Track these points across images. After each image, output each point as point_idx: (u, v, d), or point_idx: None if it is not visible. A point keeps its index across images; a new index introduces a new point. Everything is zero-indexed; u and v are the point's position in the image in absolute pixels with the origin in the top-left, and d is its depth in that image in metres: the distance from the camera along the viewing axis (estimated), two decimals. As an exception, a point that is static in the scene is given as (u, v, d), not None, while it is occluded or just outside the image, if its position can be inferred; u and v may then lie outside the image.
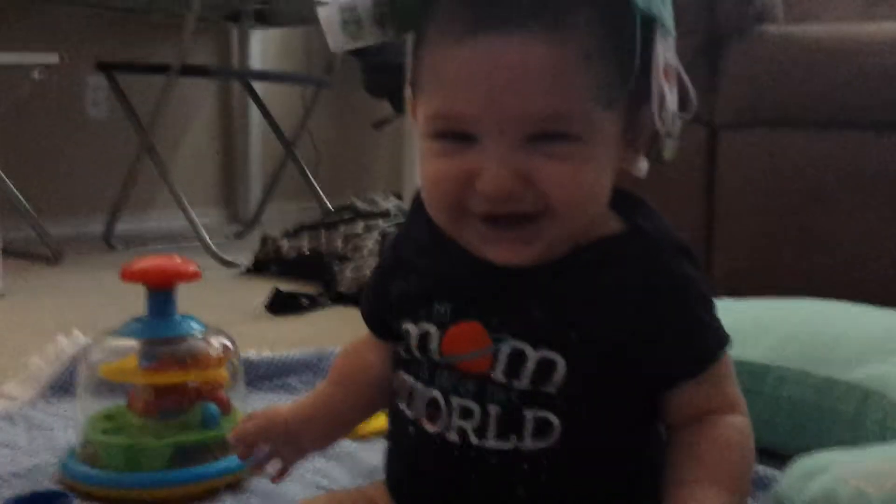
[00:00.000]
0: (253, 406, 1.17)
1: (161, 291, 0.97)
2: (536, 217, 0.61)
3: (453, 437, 0.66)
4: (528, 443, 0.64)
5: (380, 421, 1.10)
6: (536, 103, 0.59)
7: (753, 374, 1.04)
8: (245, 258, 2.46)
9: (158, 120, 2.70)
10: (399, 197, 2.59)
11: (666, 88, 0.62)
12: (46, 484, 0.96)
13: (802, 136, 1.66)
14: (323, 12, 0.65)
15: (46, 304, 2.00)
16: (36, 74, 2.42)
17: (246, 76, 3.27)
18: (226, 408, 0.99)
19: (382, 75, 3.09)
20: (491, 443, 0.65)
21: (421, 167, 0.65)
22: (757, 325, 1.07)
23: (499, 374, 0.64)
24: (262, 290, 2.00)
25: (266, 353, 1.37)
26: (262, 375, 1.32)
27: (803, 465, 0.74)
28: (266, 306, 1.91)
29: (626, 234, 0.66)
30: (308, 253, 2.25)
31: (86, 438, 0.97)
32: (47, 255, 2.51)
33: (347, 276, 2.02)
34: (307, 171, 3.14)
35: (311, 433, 0.78)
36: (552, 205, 0.61)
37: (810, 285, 1.38)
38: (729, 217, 1.70)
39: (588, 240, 0.65)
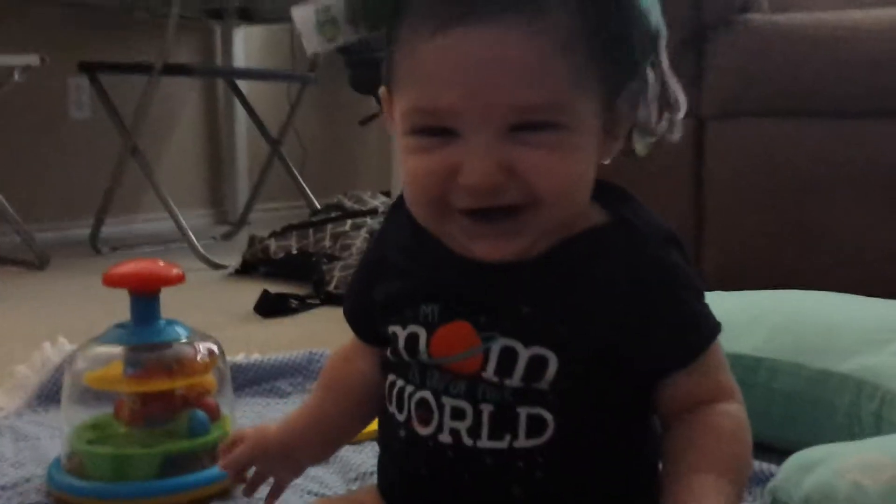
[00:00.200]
0: (242, 411, 1.17)
1: (145, 296, 0.95)
2: (521, 210, 0.61)
3: (446, 438, 0.65)
4: (523, 441, 0.63)
5: (371, 424, 1.10)
6: (517, 94, 0.58)
7: (746, 367, 1.03)
8: (233, 259, 2.45)
9: (142, 121, 2.68)
10: (387, 194, 2.58)
11: (677, 87, 0.63)
12: (34, 497, 0.94)
13: (790, 126, 1.65)
14: (298, 15, 0.65)
15: (33, 310, 1.99)
16: (17, 76, 2.40)
17: (230, 74, 3.25)
18: (214, 414, 0.98)
19: (368, 71, 3.07)
20: (484, 443, 0.64)
21: (402, 165, 0.64)
22: (749, 318, 1.07)
23: (490, 374, 0.63)
24: (250, 291, 1.99)
25: (255, 357, 1.35)
26: (252, 379, 1.31)
27: (800, 458, 0.74)
28: (255, 308, 1.90)
29: (612, 225, 0.65)
30: (296, 252, 2.24)
31: (72, 449, 0.96)
32: (33, 260, 2.49)
33: (336, 275, 2.01)
34: (294, 170, 3.12)
35: (306, 449, 0.77)
36: (537, 196, 0.60)
37: (801, 277, 1.38)
38: (718, 209, 1.69)
39: (573, 233, 0.64)
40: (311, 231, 2.29)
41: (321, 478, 0.99)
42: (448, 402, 0.65)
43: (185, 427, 0.95)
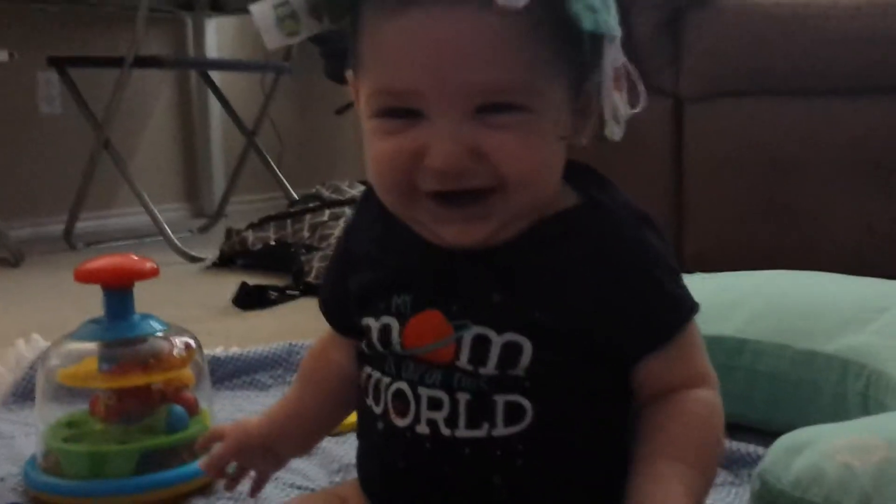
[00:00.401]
0: (222, 405, 1.15)
1: (117, 291, 0.93)
2: (488, 193, 0.60)
3: (423, 429, 0.64)
4: (501, 429, 0.62)
5: (352, 416, 1.08)
6: (480, 74, 0.57)
7: (730, 349, 1.03)
8: (210, 252, 2.43)
9: (114, 114, 2.64)
10: (365, 184, 2.56)
11: (617, 97, 0.61)
12: (9, 496, 0.93)
13: (767, 105, 1.65)
14: (256, 11, 0.63)
15: (7, 307, 1.96)
16: (-15, 72, 2.36)
17: (203, 66, 3.21)
18: (193, 409, 0.96)
19: (343, 61, 3.05)
20: (462, 432, 0.63)
21: (368, 149, 0.63)
22: (732, 300, 1.06)
23: (464, 362, 0.62)
24: (228, 284, 1.97)
25: (234, 350, 1.34)
26: (231, 373, 1.29)
27: (788, 441, 0.73)
28: (233, 301, 1.88)
29: (583, 206, 0.64)
30: (274, 244, 2.22)
31: (47, 447, 0.94)
32: (7, 257, 2.46)
33: (315, 265, 1.99)
34: (270, 161, 3.09)
35: (287, 442, 0.77)
36: (504, 178, 0.59)
37: (780, 256, 1.38)
38: (697, 190, 1.69)
39: (544, 216, 0.63)
40: (289, 222, 2.27)
41: (304, 470, 0.97)
42: (424, 392, 0.64)
43: (163, 422, 0.93)
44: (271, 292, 1.91)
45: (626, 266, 0.62)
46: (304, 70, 3.29)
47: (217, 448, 0.77)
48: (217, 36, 3.41)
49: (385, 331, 0.65)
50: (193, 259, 2.43)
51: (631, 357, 0.64)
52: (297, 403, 0.76)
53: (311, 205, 2.34)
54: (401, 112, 0.59)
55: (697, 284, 0.67)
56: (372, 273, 0.67)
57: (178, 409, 0.94)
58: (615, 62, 0.61)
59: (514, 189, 0.60)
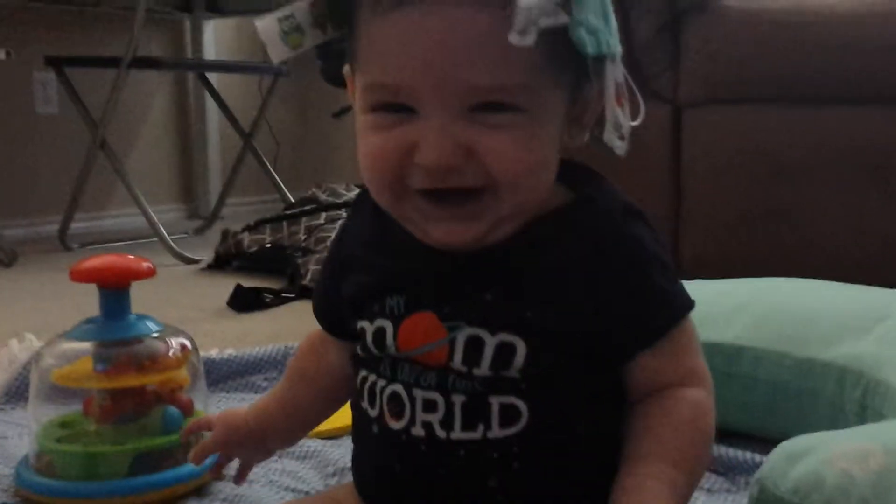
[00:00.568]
0: (217, 407, 1.14)
1: (114, 291, 0.92)
2: (479, 193, 0.59)
3: (418, 431, 0.63)
4: (497, 431, 0.62)
5: (347, 418, 1.08)
6: (475, 73, 0.57)
7: (728, 356, 1.02)
8: (205, 255, 2.42)
9: (111, 115, 2.63)
10: (361, 187, 2.55)
11: (619, 112, 0.61)
12: (1, 496, 0.92)
13: (766, 111, 1.65)
14: (261, 25, 0.63)
15: (2, 308, 1.95)
16: (-19, 71, 2.36)
17: (200, 67, 3.20)
18: (188, 410, 0.95)
19: (340, 63, 3.04)
20: (458, 434, 0.62)
21: (360, 144, 0.62)
22: (731, 306, 1.06)
23: (458, 364, 0.62)
24: (223, 286, 1.96)
25: (229, 352, 1.33)
26: (226, 375, 1.28)
27: (787, 447, 0.72)
28: (228, 303, 1.87)
29: (574, 204, 0.64)
30: (270, 246, 2.21)
31: (40, 447, 0.93)
32: (1, 258, 2.45)
33: (311, 268, 1.98)
34: (267, 164, 3.09)
35: (275, 433, 0.78)
36: (494, 178, 0.59)
37: (778, 262, 1.38)
38: (695, 195, 1.69)
39: (536, 216, 0.63)
40: (285, 224, 2.26)
41: (298, 473, 0.97)
42: (419, 394, 0.63)
43: (158, 424, 0.93)
44: (266, 295, 1.90)
45: (618, 263, 0.62)
46: (302, 73, 3.29)
47: (205, 439, 0.78)
48: (215, 37, 3.40)
49: (379, 333, 0.65)
50: (189, 261, 2.43)
51: (623, 354, 0.64)
52: (288, 398, 0.77)
53: (307, 207, 2.34)
54: (394, 108, 0.59)
55: (696, 290, 0.66)
56: (365, 275, 0.67)
57: (173, 410, 0.94)
58: (617, 78, 0.61)
59: (505, 190, 0.59)
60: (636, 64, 1.64)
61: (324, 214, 2.26)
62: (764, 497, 0.71)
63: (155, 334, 0.94)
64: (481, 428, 0.62)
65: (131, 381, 0.92)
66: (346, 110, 3.26)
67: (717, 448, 0.97)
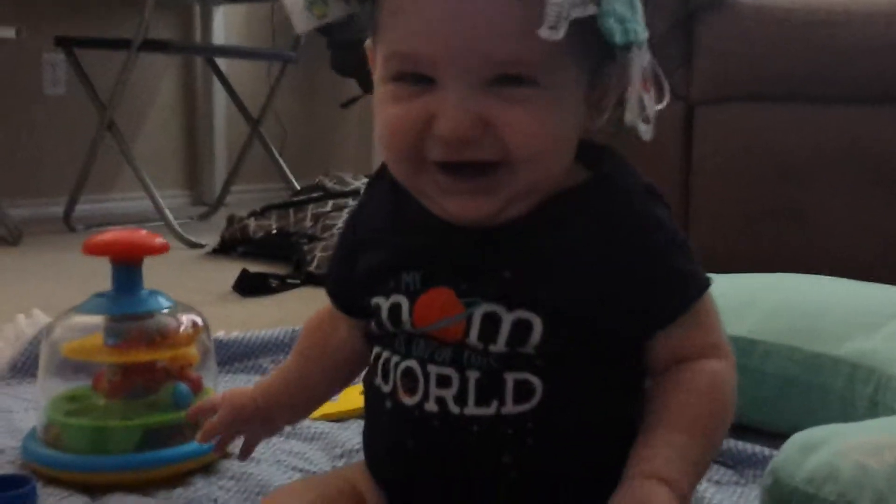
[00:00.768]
0: (224, 387, 1.14)
1: (127, 265, 0.92)
2: (495, 167, 0.60)
3: (432, 407, 0.63)
4: (510, 407, 0.62)
5: (355, 402, 1.08)
6: (495, 46, 0.57)
7: (740, 349, 1.00)
8: (210, 240, 2.41)
9: (119, 98, 2.63)
10: (368, 176, 2.55)
11: (645, 97, 0.61)
12: (8, 468, 0.92)
13: (777, 110, 1.65)
14: None
15: (5, 286, 1.94)
16: (-9, 49, 2.35)
17: (209, 52, 3.19)
18: (197, 387, 0.95)
19: (349, 53, 3.04)
20: (471, 409, 0.62)
21: (378, 115, 0.62)
22: (743, 300, 1.05)
23: (474, 340, 0.62)
24: (229, 270, 1.96)
25: (236, 334, 1.33)
26: (233, 356, 1.28)
27: (801, 438, 0.72)
28: (234, 287, 1.87)
29: (591, 182, 0.64)
30: (275, 232, 2.21)
31: (49, 420, 0.93)
32: (6, 236, 2.44)
33: (318, 255, 1.98)
34: (274, 151, 3.08)
35: (282, 410, 0.78)
36: (510, 152, 0.59)
37: (786, 260, 1.37)
38: (706, 192, 1.68)
39: (554, 193, 0.63)
40: (291, 211, 2.26)
41: (306, 454, 0.97)
42: (433, 369, 0.63)
43: (168, 400, 0.92)
44: (272, 280, 1.90)
45: (637, 241, 0.62)
46: (310, 62, 3.28)
47: (212, 420, 0.78)
48: (225, 22, 3.39)
49: (395, 309, 0.65)
50: (194, 245, 2.42)
51: (643, 332, 0.64)
52: (295, 375, 0.77)
53: (314, 195, 2.33)
54: (413, 78, 0.59)
55: (709, 284, 0.66)
56: (382, 251, 0.67)
57: (183, 386, 0.93)
58: (643, 64, 0.61)
59: (521, 164, 0.59)
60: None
61: (330, 202, 2.26)
62: (778, 487, 0.70)
63: (166, 310, 0.94)
64: (495, 404, 0.62)
65: (141, 356, 0.92)
66: (353, 100, 3.25)
67: (725, 441, 0.97)
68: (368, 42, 0.65)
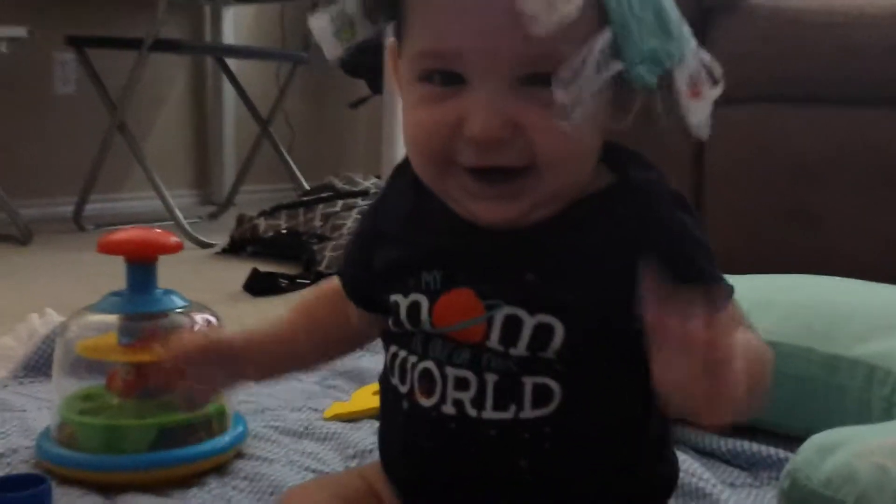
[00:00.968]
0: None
1: (142, 264, 0.92)
2: (522, 173, 0.59)
3: (449, 409, 0.63)
4: (528, 411, 0.62)
5: (367, 402, 1.07)
6: (525, 42, 0.56)
7: (754, 351, 1.01)
8: (219, 239, 2.42)
9: (129, 97, 2.63)
10: (378, 177, 2.55)
11: (693, 104, 0.61)
12: (22, 468, 0.92)
13: (790, 112, 1.64)
14: (315, 25, 0.64)
15: (16, 285, 1.95)
16: (3, 48, 2.35)
17: (219, 52, 3.20)
18: (210, 387, 0.95)
19: (359, 55, 3.03)
20: (489, 413, 0.62)
21: (406, 117, 0.62)
22: (759, 301, 1.05)
23: (495, 342, 0.62)
24: (239, 270, 1.96)
25: (247, 333, 1.32)
26: (244, 355, 1.28)
27: (819, 440, 0.72)
28: (245, 286, 1.87)
29: (616, 186, 0.63)
30: (285, 232, 2.21)
31: (63, 419, 0.93)
32: (16, 236, 2.45)
33: (328, 255, 1.98)
34: (283, 151, 3.08)
35: (259, 362, 0.74)
36: (538, 156, 0.59)
37: (799, 262, 1.36)
38: (718, 194, 1.68)
39: (579, 197, 0.62)
40: (301, 211, 2.26)
41: (319, 454, 0.97)
42: (451, 371, 0.63)
43: (182, 400, 0.92)
44: (282, 280, 1.90)
45: (662, 247, 0.61)
46: (321, 62, 3.27)
47: (187, 337, 0.75)
48: (234, 23, 3.40)
49: (414, 308, 0.65)
50: (203, 245, 2.42)
51: None
52: (287, 332, 0.75)
53: (324, 195, 2.33)
54: (442, 77, 0.59)
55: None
56: (402, 249, 0.67)
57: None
58: (690, 73, 0.60)
59: (547, 169, 0.59)
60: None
61: (340, 202, 2.26)
62: (795, 489, 0.70)
63: (181, 309, 0.94)
64: (513, 408, 0.62)
65: (155, 355, 0.92)
66: (362, 101, 3.25)
67: (740, 443, 0.96)
68: (391, 43, 0.64)
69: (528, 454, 0.62)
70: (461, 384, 0.63)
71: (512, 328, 0.61)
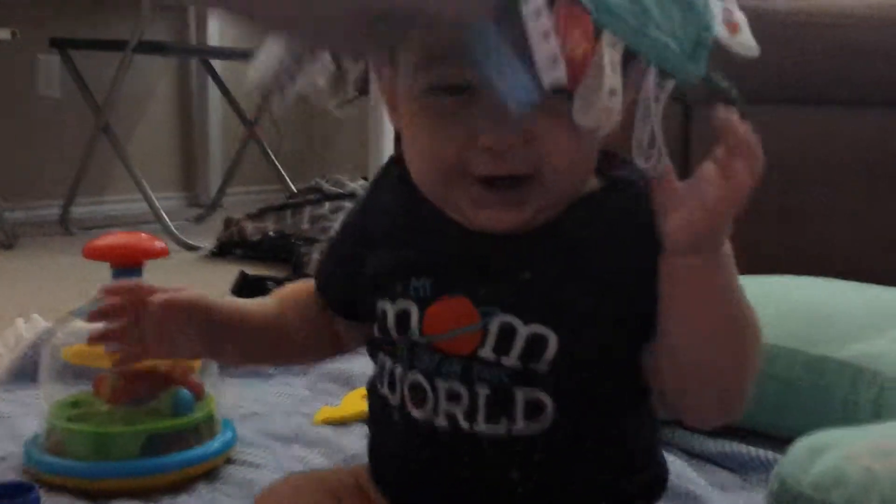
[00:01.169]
0: (227, 392, 1.13)
1: (127, 270, 0.92)
2: (525, 181, 0.59)
3: (442, 422, 0.63)
4: (521, 424, 0.62)
5: (357, 405, 1.07)
6: None
7: (742, 352, 1.01)
8: (206, 242, 2.41)
9: (114, 99, 2.62)
10: (366, 179, 2.55)
11: (735, 39, 0.64)
12: (10, 475, 0.91)
13: (778, 112, 1.64)
14: (309, 88, 0.66)
15: (2, 289, 1.94)
16: (-14, 51, 2.34)
17: (205, 54, 3.19)
18: (199, 393, 0.95)
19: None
20: (481, 427, 0.62)
21: (412, 130, 0.61)
22: (746, 303, 1.05)
23: (488, 351, 0.61)
24: (226, 273, 1.95)
25: (235, 337, 1.32)
26: (233, 360, 1.27)
27: (808, 443, 0.72)
28: (232, 290, 1.86)
29: (605, 188, 0.64)
30: (273, 235, 2.20)
31: (50, 426, 0.92)
32: (2, 239, 2.43)
33: (315, 257, 1.97)
34: (270, 153, 3.07)
35: (204, 331, 0.69)
36: (543, 164, 0.59)
37: (789, 262, 1.36)
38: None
39: (573, 200, 0.63)
40: (288, 213, 2.26)
41: (309, 459, 0.96)
42: (442, 384, 0.63)
43: (169, 406, 0.92)
44: (270, 283, 1.89)
45: (647, 244, 0.60)
46: (306, 63, 3.26)
47: (136, 280, 0.72)
48: (220, 25, 3.38)
49: (402, 316, 0.64)
50: (190, 247, 2.41)
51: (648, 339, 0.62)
52: (255, 312, 0.71)
53: (311, 197, 2.33)
54: (450, 89, 0.58)
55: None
56: (391, 254, 0.66)
57: (185, 392, 0.93)
58: (721, 17, 0.61)
59: (550, 177, 0.59)
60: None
61: (328, 204, 2.26)
62: (784, 492, 0.70)
63: (168, 315, 0.93)
64: (505, 422, 0.62)
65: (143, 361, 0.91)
66: (349, 101, 3.24)
67: (729, 445, 0.97)
68: (382, 67, 0.64)
69: (520, 466, 0.62)
70: (453, 397, 0.62)
71: (506, 337, 0.61)
